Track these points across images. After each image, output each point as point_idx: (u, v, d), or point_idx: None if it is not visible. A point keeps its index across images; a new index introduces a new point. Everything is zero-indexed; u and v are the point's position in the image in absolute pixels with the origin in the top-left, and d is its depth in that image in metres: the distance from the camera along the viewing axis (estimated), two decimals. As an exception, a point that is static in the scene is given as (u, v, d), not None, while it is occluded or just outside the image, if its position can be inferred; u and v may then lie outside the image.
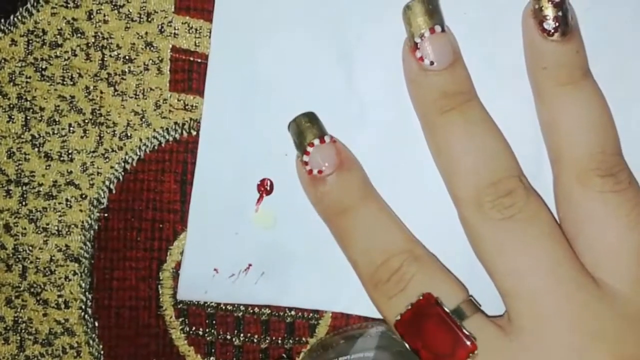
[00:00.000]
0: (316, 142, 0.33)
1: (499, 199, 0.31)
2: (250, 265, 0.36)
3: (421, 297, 0.31)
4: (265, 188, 0.36)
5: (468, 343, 0.30)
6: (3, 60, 0.36)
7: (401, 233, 0.33)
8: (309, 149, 0.33)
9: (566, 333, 0.30)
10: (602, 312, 0.30)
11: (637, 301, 0.31)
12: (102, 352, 0.37)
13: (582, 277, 0.31)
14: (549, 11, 0.32)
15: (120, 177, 0.37)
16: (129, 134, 0.36)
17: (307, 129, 0.33)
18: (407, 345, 0.31)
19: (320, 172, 0.33)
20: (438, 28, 0.32)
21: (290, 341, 0.37)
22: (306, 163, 0.33)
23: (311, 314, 0.37)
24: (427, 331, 0.31)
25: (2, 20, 0.36)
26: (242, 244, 0.36)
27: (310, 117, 0.34)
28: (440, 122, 0.32)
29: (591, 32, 0.33)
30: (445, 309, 0.31)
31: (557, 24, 0.32)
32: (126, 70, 0.36)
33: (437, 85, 0.32)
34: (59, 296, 0.37)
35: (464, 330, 0.31)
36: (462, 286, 0.32)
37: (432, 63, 0.32)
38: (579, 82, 0.32)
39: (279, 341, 0.37)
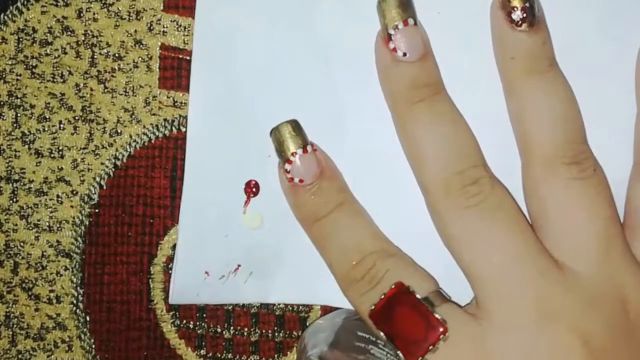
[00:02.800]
0: (299, 151, 0.34)
1: (465, 187, 0.33)
2: (239, 266, 0.36)
3: (393, 286, 0.32)
4: (251, 189, 0.36)
5: (439, 327, 0.31)
6: (-7, 58, 0.37)
7: (374, 234, 0.35)
8: (292, 158, 0.34)
9: (529, 315, 0.31)
10: (563, 294, 0.32)
11: (597, 282, 0.32)
12: (93, 346, 0.38)
13: (544, 261, 0.32)
14: (517, 2, 0.33)
15: (111, 173, 0.37)
16: (119, 131, 0.37)
17: (289, 138, 0.34)
18: (382, 335, 0.32)
19: (301, 181, 0.34)
20: (411, 21, 0.33)
21: (281, 334, 0.38)
22: (288, 171, 0.34)
23: (300, 307, 0.38)
24: (400, 318, 0.32)
25: (-8, 19, 0.36)
26: (232, 246, 0.36)
27: (293, 126, 0.34)
28: (409, 113, 0.34)
29: (560, 30, 0.34)
30: (417, 296, 0.32)
31: (524, 15, 0.33)
32: (116, 67, 0.37)
33: (407, 76, 0.33)
34: (51, 291, 0.38)
35: (435, 315, 0.32)
36: (432, 279, 0.34)
37: (404, 54, 0.33)
38: (546, 72, 0.34)
39: (269, 334, 0.38)
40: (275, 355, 0.38)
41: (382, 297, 0.32)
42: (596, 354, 0.31)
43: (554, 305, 0.32)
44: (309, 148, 0.34)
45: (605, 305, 0.32)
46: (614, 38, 0.36)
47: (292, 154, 0.34)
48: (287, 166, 0.34)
